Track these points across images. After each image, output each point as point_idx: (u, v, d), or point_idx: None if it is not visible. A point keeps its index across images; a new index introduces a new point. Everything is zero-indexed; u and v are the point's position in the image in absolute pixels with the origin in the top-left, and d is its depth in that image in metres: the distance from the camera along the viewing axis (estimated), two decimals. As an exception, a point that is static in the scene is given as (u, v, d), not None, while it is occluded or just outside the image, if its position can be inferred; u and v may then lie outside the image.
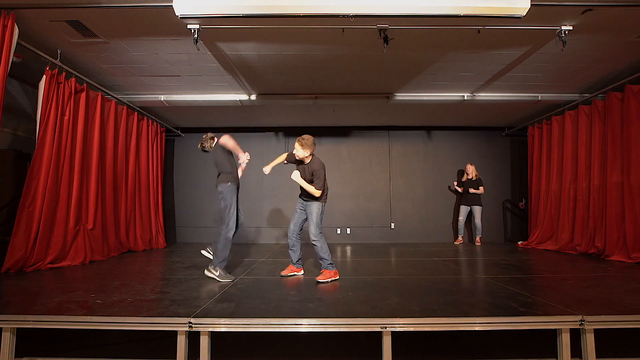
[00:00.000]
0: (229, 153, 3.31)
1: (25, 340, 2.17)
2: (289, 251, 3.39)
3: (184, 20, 3.10)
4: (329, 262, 3.14)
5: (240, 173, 3.42)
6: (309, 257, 4.49)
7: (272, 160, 3.55)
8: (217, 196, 3.27)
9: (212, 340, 2.02)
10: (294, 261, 3.38)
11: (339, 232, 6.97)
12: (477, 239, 6.29)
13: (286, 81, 4.82)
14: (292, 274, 3.37)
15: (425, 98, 5.36)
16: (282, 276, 3.31)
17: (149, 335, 2.26)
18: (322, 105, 5.73)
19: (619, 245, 4.33)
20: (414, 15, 2.90)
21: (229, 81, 4.83)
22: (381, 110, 6.09)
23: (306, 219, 3.32)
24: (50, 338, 2.33)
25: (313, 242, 3.17)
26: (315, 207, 3.21)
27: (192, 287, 2.82)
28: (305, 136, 3.14)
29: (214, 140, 3.40)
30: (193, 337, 1.99)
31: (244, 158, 3.29)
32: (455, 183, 6.71)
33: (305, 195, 3.25)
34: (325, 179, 3.20)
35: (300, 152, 3.15)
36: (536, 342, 2.21)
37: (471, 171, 6.51)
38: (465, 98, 5.31)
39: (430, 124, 7.07)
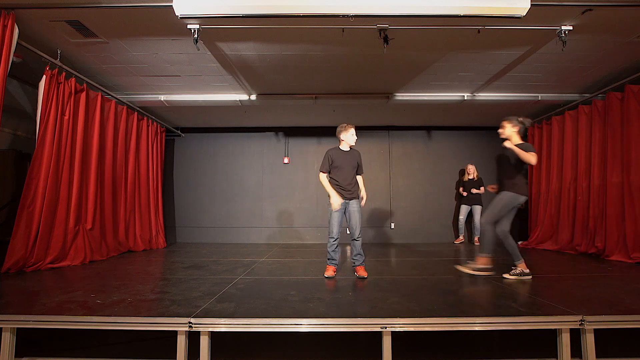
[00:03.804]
0: None
1: (25, 340, 2.17)
2: (333, 253, 3.29)
3: (184, 20, 3.10)
4: (364, 258, 3.33)
5: None
6: (315, 256, 4.47)
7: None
8: None
9: (212, 340, 2.01)
10: (337, 261, 3.34)
11: (339, 232, 6.97)
12: (476, 238, 6.29)
13: (286, 81, 4.82)
14: (335, 274, 3.31)
15: (425, 98, 5.36)
16: (326, 278, 3.23)
17: (149, 335, 2.25)
18: (322, 105, 5.73)
19: (619, 245, 4.33)
20: (414, 15, 2.91)
21: (229, 81, 4.83)
22: (381, 110, 6.09)
23: None
24: (50, 338, 2.32)
25: (358, 239, 3.27)
26: (357, 205, 3.29)
27: (192, 287, 2.82)
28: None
29: None
30: (193, 337, 1.99)
31: None
32: (462, 189, 6.65)
33: (349, 193, 3.28)
34: None
35: (355, 138, 3.36)
36: (536, 342, 2.21)
37: (472, 171, 6.51)
38: (465, 98, 5.31)
39: (430, 124, 7.07)
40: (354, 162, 3.34)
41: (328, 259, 3.34)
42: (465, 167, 6.71)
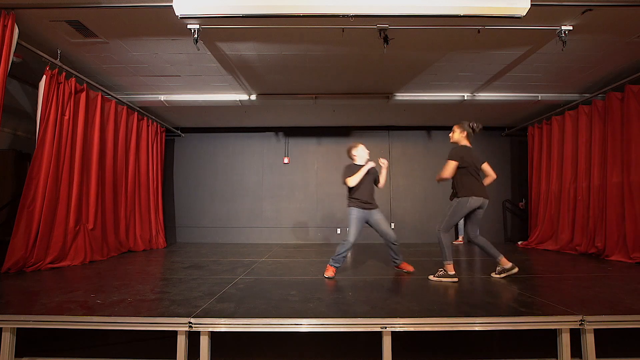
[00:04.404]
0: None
1: (25, 340, 2.17)
2: (342, 258, 3.32)
3: (184, 20, 3.10)
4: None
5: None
6: (319, 256, 4.47)
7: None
8: None
9: (212, 340, 2.02)
10: (341, 265, 3.39)
11: (339, 232, 6.97)
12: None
13: (286, 81, 4.82)
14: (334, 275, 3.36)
15: (425, 98, 5.36)
16: (327, 278, 3.24)
17: (149, 335, 2.26)
18: (322, 105, 5.73)
19: (619, 245, 4.33)
20: (414, 15, 2.91)
21: (229, 81, 4.83)
22: (381, 110, 6.09)
23: None
24: (50, 338, 2.33)
25: (396, 243, 3.44)
26: (380, 213, 3.42)
27: (192, 287, 2.82)
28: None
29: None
30: (193, 337, 1.99)
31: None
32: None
33: (370, 205, 3.35)
34: None
35: (367, 152, 3.58)
36: (536, 342, 2.21)
37: None
38: (465, 98, 5.31)
39: (430, 124, 7.07)
40: (372, 176, 3.42)
41: (332, 260, 3.32)
42: None
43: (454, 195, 3.17)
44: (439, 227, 3.16)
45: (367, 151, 3.53)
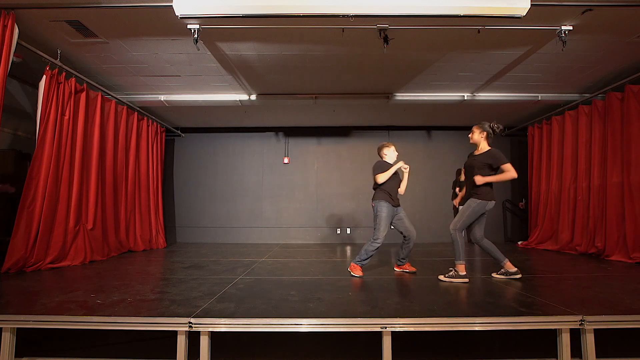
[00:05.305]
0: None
1: (25, 340, 2.17)
2: (370, 258, 3.40)
3: (184, 20, 3.10)
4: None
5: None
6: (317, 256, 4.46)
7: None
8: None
9: (212, 340, 2.01)
10: (367, 263, 3.43)
11: (339, 232, 6.98)
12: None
13: (286, 81, 4.82)
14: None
15: (425, 98, 5.36)
16: (356, 277, 3.29)
17: (149, 335, 2.26)
18: (322, 105, 5.73)
19: (619, 245, 4.33)
20: (414, 15, 2.91)
21: (229, 81, 4.83)
22: (381, 110, 6.09)
23: None
24: (50, 338, 2.32)
25: (414, 242, 3.47)
26: (403, 211, 3.51)
27: (192, 287, 2.82)
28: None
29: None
30: (193, 337, 1.99)
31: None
32: (458, 189, 6.54)
33: (397, 201, 3.43)
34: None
35: (396, 154, 3.62)
36: (536, 342, 2.21)
37: None
38: (465, 98, 5.31)
39: (430, 124, 7.07)
40: (397, 177, 3.48)
41: (362, 260, 3.33)
42: (461, 167, 6.68)
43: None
44: (455, 226, 3.14)
45: (396, 153, 3.58)
